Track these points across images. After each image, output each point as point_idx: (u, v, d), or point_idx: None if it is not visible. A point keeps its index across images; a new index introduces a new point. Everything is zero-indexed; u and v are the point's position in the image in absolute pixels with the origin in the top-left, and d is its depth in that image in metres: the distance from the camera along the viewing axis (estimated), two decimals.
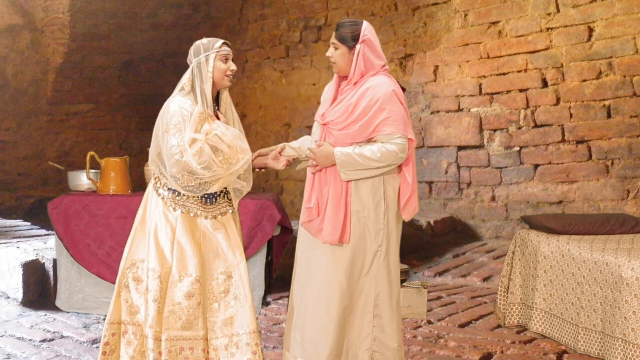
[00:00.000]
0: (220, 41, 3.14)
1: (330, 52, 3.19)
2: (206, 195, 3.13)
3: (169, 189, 3.14)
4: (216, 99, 3.19)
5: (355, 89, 3.15)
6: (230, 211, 3.20)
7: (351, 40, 3.13)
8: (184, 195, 3.12)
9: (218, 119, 3.16)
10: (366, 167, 3.08)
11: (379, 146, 3.08)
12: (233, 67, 3.12)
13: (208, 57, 3.08)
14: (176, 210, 3.12)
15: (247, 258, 3.41)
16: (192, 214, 3.12)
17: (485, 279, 5.76)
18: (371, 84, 3.13)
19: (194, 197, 3.12)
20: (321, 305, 3.19)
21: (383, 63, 3.19)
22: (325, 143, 3.16)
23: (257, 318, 3.20)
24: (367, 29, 3.14)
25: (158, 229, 3.12)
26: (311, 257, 3.24)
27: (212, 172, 3.02)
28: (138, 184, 5.33)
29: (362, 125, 3.10)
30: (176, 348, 3.04)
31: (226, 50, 3.11)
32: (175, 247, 3.09)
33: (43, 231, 6.54)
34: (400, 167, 3.16)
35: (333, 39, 3.18)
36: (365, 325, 3.19)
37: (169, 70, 9.12)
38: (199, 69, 3.09)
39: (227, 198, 3.20)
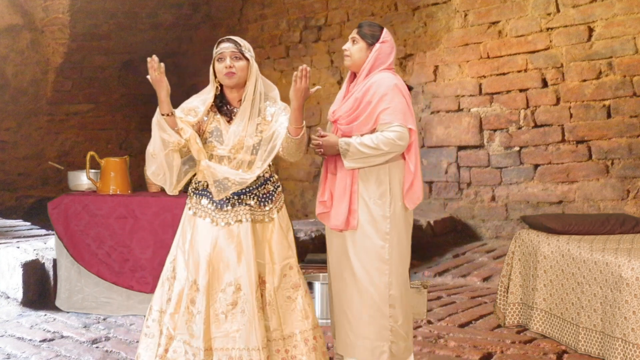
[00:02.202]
0: (219, 42, 3.13)
1: (348, 45, 3.32)
2: (218, 201, 3.05)
3: (188, 190, 3.19)
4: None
5: (363, 83, 3.28)
6: (246, 220, 3.03)
7: (371, 38, 3.29)
8: (195, 195, 3.11)
9: (231, 117, 3.16)
10: (367, 155, 3.18)
11: (377, 134, 3.19)
12: (227, 63, 3.06)
13: (213, 62, 3.12)
14: (193, 213, 3.10)
15: None
16: (205, 219, 3.05)
17: (485, 279, 5.76)
18: (375, 79, 3.26)
19: (207, 200, 3.06)
20: (351, 298, 3.26)
21: (391, 65, 3.34)
22: (330, 134, 3.29)
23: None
24: (387, 35, 3.32)
25: (180, 228, 3.15)
26: (332, 248, 3.35)
27: (148, 153, 3.10)
28: (138, 184, 5.32)
29: (365, 117, 3.22)
30: (182, 350, 2.99)
31: (220, 49, 3.10)
32: (189, 250, 3.05)
33: (43, 231, 6.53)
34: (403, 156, 3.26)
35: (354, 34, 3.32)
36: (383, 316, 3.23)
37: (169, 70, 9.03)
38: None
39: (246, 204, 3.06)
